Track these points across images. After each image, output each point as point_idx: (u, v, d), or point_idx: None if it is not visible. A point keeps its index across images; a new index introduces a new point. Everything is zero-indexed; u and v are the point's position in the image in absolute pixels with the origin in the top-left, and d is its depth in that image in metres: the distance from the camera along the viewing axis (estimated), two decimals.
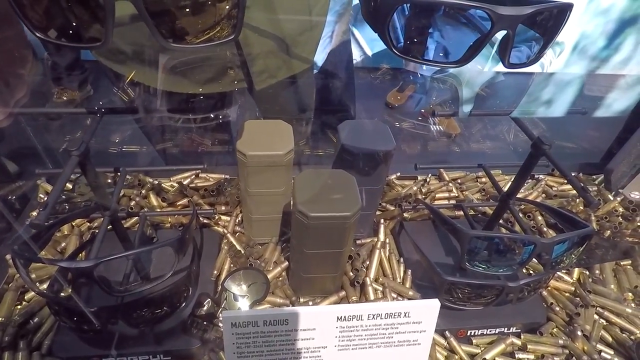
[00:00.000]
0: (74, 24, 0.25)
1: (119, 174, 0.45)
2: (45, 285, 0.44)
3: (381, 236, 0.55)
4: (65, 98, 1.82)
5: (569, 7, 0.26)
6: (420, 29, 0.27)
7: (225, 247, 0.52)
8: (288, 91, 0.59)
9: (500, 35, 0.26)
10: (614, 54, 0.73)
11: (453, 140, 1.04)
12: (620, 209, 0.64)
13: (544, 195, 0.66)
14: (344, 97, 0.68)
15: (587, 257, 0.56)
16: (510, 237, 0.38)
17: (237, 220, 0.55)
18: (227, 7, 0.27)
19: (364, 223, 0.55)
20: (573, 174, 0.71)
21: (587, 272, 0.55)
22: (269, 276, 0.48)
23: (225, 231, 0.53)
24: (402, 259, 0.53)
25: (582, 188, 0.34)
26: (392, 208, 0.59)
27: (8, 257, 0.47)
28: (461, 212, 0.53)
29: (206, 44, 0.27)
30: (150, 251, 0.38)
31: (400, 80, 1.97)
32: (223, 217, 0.55)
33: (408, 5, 0.26)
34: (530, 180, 0.69)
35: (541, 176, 0.69)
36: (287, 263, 0.50)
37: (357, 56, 2.41)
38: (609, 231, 0.60)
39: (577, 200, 0.64)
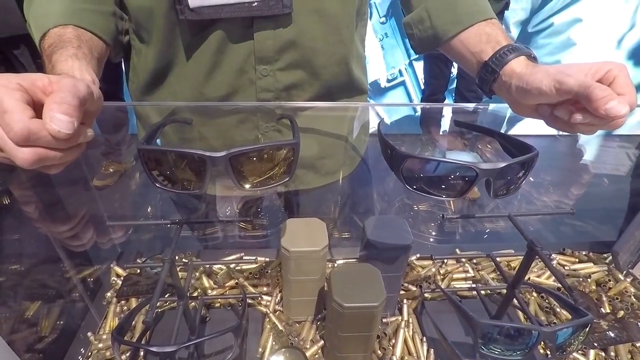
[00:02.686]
0: (182, 178, 0.36)
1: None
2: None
3: (405, 315, 0.61)
4: (112, 170, 2.03)
5: (535, 159, 0.36)
6: (425, 172, 0.36)
7: (268, 325, 0.59)
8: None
9: None
10: None
11: (474, 203, 1.10)
12: (632, 289, 0.68)
13: None
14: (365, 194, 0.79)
15: (601, 339, 0.59)
16: (514, 327, 0.44)
17: (277, 300, 0.63)
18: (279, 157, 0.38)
19: (389, 304, 0.61)
20: (584, 253, 0.76)
21: (604, 354, 0.58)
22: (307, 354, 0.55)
23: (268, 311, 0.61)
24: (424, 338, 0.58)
25: (572, 297, 0.40)
26: (414, 288, 0.66)
27: (89, 334, 0.56)
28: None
29: (267, 185, 0.38)
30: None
31: (419, 147, 2.10)
32: (265, 297, 0.64)
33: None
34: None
35: (553, 255, 0.74)
36: (322, 342, 0.57)
37: (375, 124, 2.61)
38: (622, 311, 0.64)
39: (589, 279, 0.69)
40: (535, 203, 0.89)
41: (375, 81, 2.42)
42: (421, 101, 2.38)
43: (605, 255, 0.75)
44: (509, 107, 0.52)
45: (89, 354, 0.55)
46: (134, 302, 0.61)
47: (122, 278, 0.64)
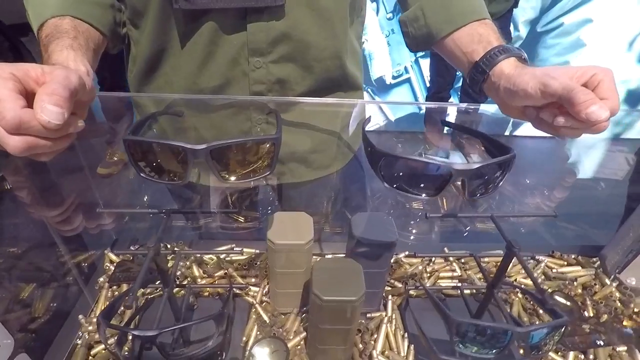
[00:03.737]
0: (167, 170, 0.37)
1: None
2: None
3: (389, 311, 0.62)
4: (115, 158, 2.06)
5: (511, 161, 0.36)
6: (401, 171, 0.37)
7: (254, 316, 0.61)
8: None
9: None
10: None
11: (469, 202, 1.10)
12: (617, 294, 0.68)
13: (542, 277, 0.72)
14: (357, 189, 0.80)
15: (581, 342, 0.60)
16: (488, 326, 0.45)
17: (264, 291, 0.65)
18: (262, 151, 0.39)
19: (374, 299, 0.62)
20: (573, 257, 0.76)
21: (583, 356, 0.59)
22: (289, 345, 0.56)
23: (254, 301, 0.62)
24: (406, 334, 0.59)
25: (542, 299, 0.41)
26: (400, 285, 0.66)
27: (80, 317, 0.58)
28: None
29: (249, 177, 0.39)
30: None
31: (422, 145, 2.10)
32: (253, 288, 0.65)
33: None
34: (531, 261, 0.75)
35: (541, 257, 0.75)
36: (305, 333, 0.58)
37: (380, 121, 2.61)
38: (605, 315, 0.64)
39: (575, 283, 0.70)
40: (528, 204, 0.89)
41: (381, 77, 2.41)
42: (426, 99, 2.37)
43: (594, 259, 0.76)
44: (499, 108, 0.52)
45: (80, 335, 0.57)
46: (125, 288, 0.63)
47: (115, 264, 0.66)
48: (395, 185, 0.38)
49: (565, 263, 0.75)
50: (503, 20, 1.82)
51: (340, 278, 0.48)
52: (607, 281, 0.70)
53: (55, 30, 0.46)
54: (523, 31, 2.41)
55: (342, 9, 0.57)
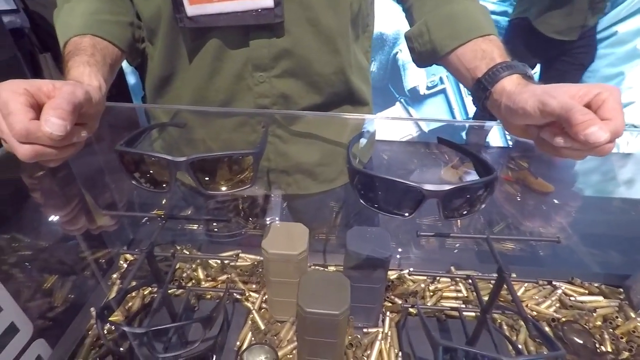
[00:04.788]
0: (155, 179, 0.40)
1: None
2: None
3: (385, 328, 0.61)
4: None
5: (492, 182, 0.35)
6: (376, 190, 0.37)
7: (250, 321, 0.62)
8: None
9: None
10: None
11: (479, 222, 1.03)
12: None
13: (558, 304, 0.67)
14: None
15: None
16: (477, 353, 0.43)
17: (263, 298, 0.66)
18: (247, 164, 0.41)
19: (370, 314, 0.62)
20: (595, 285, 0.71)
21: None
22: (280, 353, 0.57)
23: (252, 307, 0.64)
24: (400, 353, 0.58)
25: (525, 320, 0.38)
26: (400, 302, 0.65)
27: (92, 309, 0.63)
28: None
29: (232, 189, 0.40)
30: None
31: (457, 156, 2.04)
32: (253, 294, 0.67)
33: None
34: (547, 287, 0.70)
35: (559, 284, 0.70)
36: (297, 343, 0.58)
37: (413, 131, 2.56)
38: (626, 352, 0.59)
39: (594, 314, 0.65)
40: (549, 224, 0.84)
41: (414, 88, 2.37)
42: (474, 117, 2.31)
43: (620, 289, 0.70)
44: (502, 125, 0.50)
45: (90, 326, 0.61)
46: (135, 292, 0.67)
47: (128, 262, 0.70)
48: (374, 205, 0.38)
49: (587, 292, 0.70)
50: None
51: (326, 291, 0.49)
52: (632, 314, 0.64)
53: (75, 48, 0.51)
54: None
55: (343, 25, 0.58)
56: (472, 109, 2.43)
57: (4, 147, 0.40)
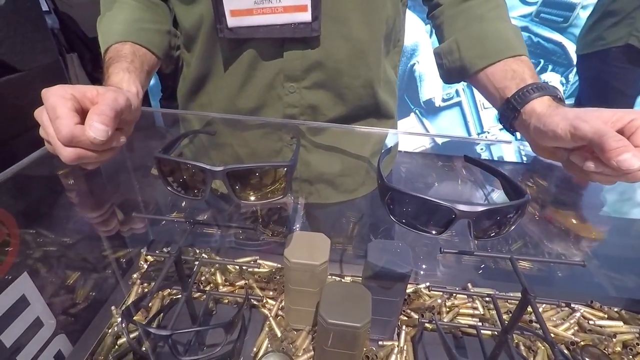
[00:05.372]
0: (191, 185, 0.41)
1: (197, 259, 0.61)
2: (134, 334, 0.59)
3: (401, 342, 0.61)
4: None
5: (524, 205, 0.35)
6: (408, 207, 0.38)
7: (267, 328, 0.63)
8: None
9: None
10: None
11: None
12: None
13: (576, 328, 0.66)
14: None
15: None
16: None
17: (280, 305, 0.67)
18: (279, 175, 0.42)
19: (387, 328, 0.62)
20: (615, 309, 0.70)
21: None
22: None
23: (269, 314, 0.64)
24: None
25: (551, 345, 0.38)
26: (416, 316, 0.65)
27: (113, 308, 0.64)
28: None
29: (264, 199, 0.41)
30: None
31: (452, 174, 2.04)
32: (270, 301, 0.67)
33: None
34: (566, 309, 0.70)
35: (578, 306, 0.69)
36: (312, 352, 0.59)
37: (426, 142, 2.56)
38: None
39: (614, 339, 0.64)
40: (573, 246, 0.83)
41: (430, 100, 2.37)
42: None
43: None
44: (530, 146, 0.50)
45: (111, 324, 0.62)
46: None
47: (148, 263, 0.72)
48: (402, 221, 0.38)
49: (606, 316, 0.69)
50: None
51: (348, 303, 0.49)
52: None
53: (116, 54, 0.52)
54: None
55: (376, 40, 0.59)
56: (487, 123, 2.43)
57: (46, 148, 0.41)
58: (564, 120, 0.41)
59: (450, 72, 0.61)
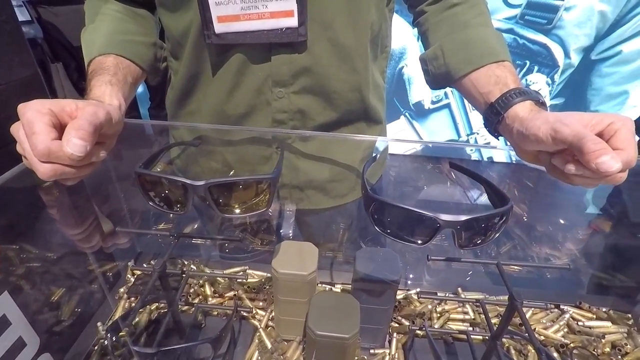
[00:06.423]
0: (172, 200, 0.40)
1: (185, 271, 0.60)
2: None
3: (392, 349, 0.61)
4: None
5: (507, 212, 0.35)
6: (392, 217, 0.37)
7: (257, 340, 0.62)
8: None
9: None
10: None
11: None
12: None
13: (566, 329, 0.67)
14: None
15: None
16: None
17: (270, 316, 0.66)
18: (263, 186, 0.41)
19: (377, 335, 0.61)
20: (604, 310, 0.70)
21: None
22: None
23: (259, 325, 0.64)
24: None
25: (538, 351, 0.38)
26: (407, 323, 0.65)
27: (99, 324, 0.63)
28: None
29: (249, 212, 0.41)
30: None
31: (442, 178, 2.05)
32: (260, 312, 0.66)
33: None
34: (555, 310, 0.70)
35: (567, 307, 0.70)
36: None
37: (417, 146, 2.57)
38: None
39: (603, 340, 0.64)
40: (560, 248, 0.84)
41: (419, 102, 2.39)
42: None
43: (629, 315, 0.69)
44: (514, 151, 0.51)
45: (96, 341, 0.61)
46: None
47: (135, 276, 0.70)
48: (387, 231, 0.38)
49: (594, 317, 0.69)
50: None
51: (336, 314, 0.49)
52: None
53: (98, 67, 0.52)
54: (575, 59, 2.29)
55: (362, 45, 0.59)
56: (476, 124, 2.44)
57: (24, 163, 0.40)
58: (545, 124, 0.42)
59: (436, 78, 0.62)
